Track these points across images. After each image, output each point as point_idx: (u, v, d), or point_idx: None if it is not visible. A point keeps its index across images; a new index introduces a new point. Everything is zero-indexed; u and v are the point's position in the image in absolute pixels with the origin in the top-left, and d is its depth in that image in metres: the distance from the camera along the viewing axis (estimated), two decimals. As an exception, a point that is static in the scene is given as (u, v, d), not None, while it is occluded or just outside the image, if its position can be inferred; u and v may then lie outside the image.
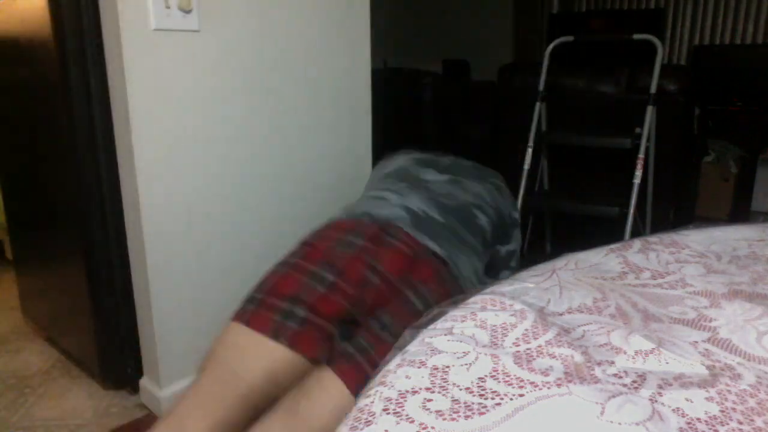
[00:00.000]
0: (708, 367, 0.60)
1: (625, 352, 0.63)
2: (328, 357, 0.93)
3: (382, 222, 1.10)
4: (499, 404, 0.52)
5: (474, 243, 1.20)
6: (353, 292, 0.96)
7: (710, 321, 0.71)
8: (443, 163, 1.42)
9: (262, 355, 0.90)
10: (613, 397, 0.53)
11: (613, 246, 1.00)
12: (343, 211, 1.23)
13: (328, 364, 0.92)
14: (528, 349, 0.63)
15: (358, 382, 0.90)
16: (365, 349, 0.95)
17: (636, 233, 2.00)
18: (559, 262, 0.93)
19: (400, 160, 1.44)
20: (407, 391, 0.56)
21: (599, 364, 0.60)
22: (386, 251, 1.03)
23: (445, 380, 0.57)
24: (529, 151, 2.23)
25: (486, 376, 0.57)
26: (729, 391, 0.55)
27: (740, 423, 0.51)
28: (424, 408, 0.53)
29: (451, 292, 0.99)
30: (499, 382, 0.56)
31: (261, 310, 0.92)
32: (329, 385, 0.90)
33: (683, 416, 0.51)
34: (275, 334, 0.89)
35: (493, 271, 1.37)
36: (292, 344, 0.90)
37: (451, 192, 1.28)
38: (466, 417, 0.51)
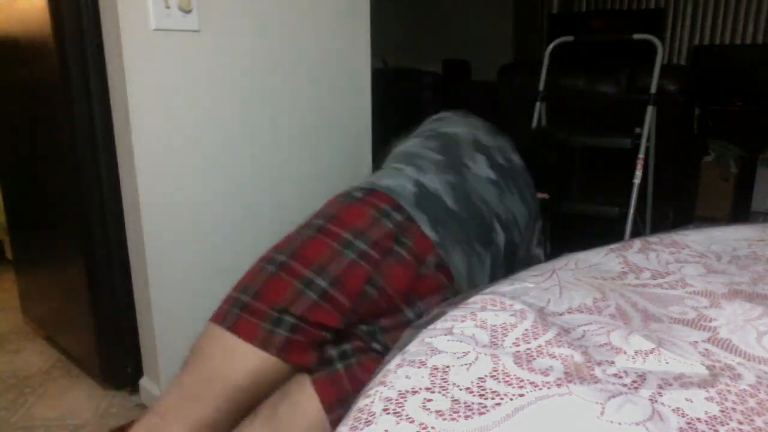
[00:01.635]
0: (708, 367, 0.59)
1: (625, 352, 0.63)
2: (315, 363, 0.91)
3: (382, 191, 0.99)
4: (499, 404, 0.52)
5: (478, 251, 1.06)
6: (347, 304, 0.90)
7: (710, 321, 0.71)
8: (501, 156, 1.21)
9: (249, 361, 0.88)
10: (613, 397, 0.53)
11: (613, 246, 1.00)
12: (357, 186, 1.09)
13: (309, 374, 0.90)
14: (528, 349, 0.63)
15: (332, 396, 0.89)
16: (349, 360, 0.92)
17: (636, 233, 1.99)
18: (559, 262, 0.93)
19: (460, 126, 1.23)
20: (407, 391, 0.56)
21: (599, 364, 0.60)
22: (391, 264, 0.94)
23: (445, 380, 0.57)
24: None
25: (486, 376, 0.57)
26: (729, 391, 0.55)
27: (740, 423, 0.51)
28: (424, 408, 0.53)
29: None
30: (499, 382, 0.56)
31: (247, 315, 0.89)
32: (311, 394, 0.89)
33: (683, 416, 0.51)
34: (263, 344, 0.87)
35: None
36: (279, 354, 0.87)
37: (483, 194, 1.11)
38: (466, 417, 0.51)
